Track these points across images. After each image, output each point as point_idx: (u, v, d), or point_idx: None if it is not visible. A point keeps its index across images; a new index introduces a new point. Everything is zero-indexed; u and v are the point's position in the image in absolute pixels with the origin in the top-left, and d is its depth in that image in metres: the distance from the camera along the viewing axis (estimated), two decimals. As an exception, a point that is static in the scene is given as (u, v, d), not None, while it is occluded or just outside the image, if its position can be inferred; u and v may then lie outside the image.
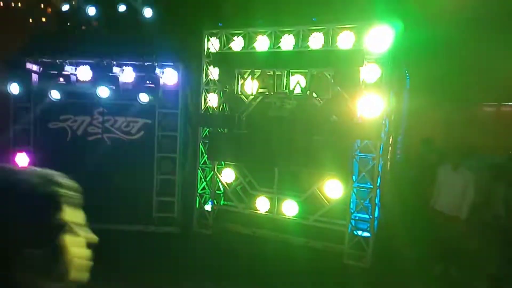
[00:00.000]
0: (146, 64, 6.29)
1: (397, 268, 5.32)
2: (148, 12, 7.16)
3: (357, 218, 5.75)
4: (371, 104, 5.39)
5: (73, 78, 6.57)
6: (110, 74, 6.33)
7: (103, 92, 6.31)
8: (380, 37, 5.28)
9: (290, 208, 6.04)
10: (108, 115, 7.02)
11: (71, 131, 7.12)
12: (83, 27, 7.48)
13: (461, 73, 4.94)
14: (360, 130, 5.49)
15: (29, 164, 6.93)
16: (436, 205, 5.67)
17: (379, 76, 5.34)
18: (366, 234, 5.65)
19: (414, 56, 5.14)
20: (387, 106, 5.34)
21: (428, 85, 5.16)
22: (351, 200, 5.71)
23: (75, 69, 6.57)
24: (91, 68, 6.55)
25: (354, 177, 5.71)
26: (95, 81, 6.50)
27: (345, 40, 5.53)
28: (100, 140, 7.06)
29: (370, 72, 5.39)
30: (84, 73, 6.61)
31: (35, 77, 6.56)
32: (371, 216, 5.59)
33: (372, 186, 5.54)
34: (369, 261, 5.53)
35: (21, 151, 7.01)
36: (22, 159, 7.01)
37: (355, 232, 5.69)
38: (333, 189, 5.74)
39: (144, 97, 6.28)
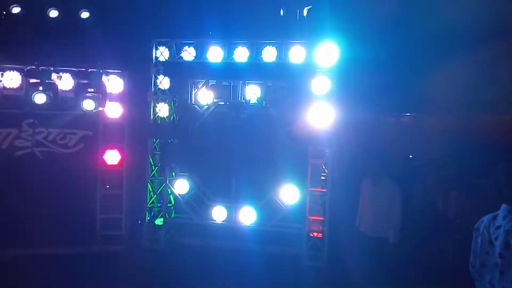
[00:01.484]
0: (89, 70, 5.85)
1: (351, 267, 5.75)
2: (85, 15, 6.65)
3: (311, 221, 6.09)
4: (321, 114, 5.83)
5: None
6: (47, 81, 5.73)
7: (40, 98, 5.67)
8: (328, 52, 5.77)
9: (248, 216, 6.13)
10: (40, 127, 6.32)
11: (-7, 146, 6.22)
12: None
13: (390, 85, 5.66)
14: (312, 138, 5.89)
15: None
16: (361, 226, 5.00)
17: (329, 88, 5.81)
18: (320, 235, 6.02)
19: (356, 70, 5.73)
20: (336, 116, 5.81)
21: (364, 96, 5.78)
22: (306, 204, 6.04)
23: (1, 75, 5.81)
24: (23, 75, 5.87)
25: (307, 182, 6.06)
26: (29, 88, 5.83)
27: (296, 54, 5.90)
28: (30, 154, 6.31)
29: (320, 84, 5.83)
30: (13, 79, 5.89)
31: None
32: (324, 218, 5.98)
33: (325, 190, 5.95)
34: (325, 261, 5.89)
35: None
36: None
37: (309, 233, 6.03)
38: (289, 194, 6.00)
39: (88, 104, 5.81)
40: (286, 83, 6.04)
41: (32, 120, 6.27)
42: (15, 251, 5.88)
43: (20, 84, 5.97)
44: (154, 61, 6.33)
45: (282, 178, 6.01)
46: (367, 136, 5.68)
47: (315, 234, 6.02)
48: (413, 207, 5.92)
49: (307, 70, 5.86)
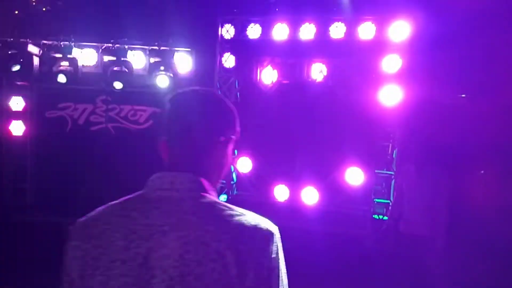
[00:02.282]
0: (161, 49, 6.03)
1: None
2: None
3: (375, 202, 5.97)
4: (391, 94, 5.61)
5: (78, 62, 6.14)
6: (123, 59, 5.99)
7: (163, 81, 5.93)
8: (400, 28, 5.49)
9: (310, 196, 6.12)
10: (112, 103, 6.67)
11: (71, 120, 6.67)
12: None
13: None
14: (380, 118, 5.70)
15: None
16: (400, 224, 4.37)
17: (400, 67, 5.55)
18: (383, 217, 5.89)
19: (429, 46, 5.40)
20: (408, 96, 5.56)
21: (438, 75, 5.45)
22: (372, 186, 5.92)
23: (81, 52, 6.16)
24: (100, 53, 6.19)
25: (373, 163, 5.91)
26: (105, 66, 6.13)
27: (366, 30, 5.68)
28: (104, 130, 6.70)
29: (391, 62, 5.59)
30: (90, 57, 6.23)
31: (36, 60, 6.05)
32: (390, 201, 5.83)
33: (391, 173, 5.78)
34: (389, 244, 5.76)
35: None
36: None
37: (374, 216, 5.92)
38: (354, 176, 5.90)
39: (162, 81, 5.99)
40: (354, 61, 5.84)
41: (105, 97, 6.64)
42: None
43: (96, 62, 6.33)
44: (219, 39, 6.40)
45: (347, 159, 5.91)
46: (438, 119, 5.38)
47: (380, 216, 5.91)
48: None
49: (377, 47, 5.63)
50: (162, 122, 1.19)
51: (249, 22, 6.23)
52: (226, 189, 6.67)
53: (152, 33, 6.16)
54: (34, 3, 6.45)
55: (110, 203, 1.12)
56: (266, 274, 1.00)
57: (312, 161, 6.14)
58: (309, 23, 5.89)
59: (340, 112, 5.94)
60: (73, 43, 6.00)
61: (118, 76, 5.95)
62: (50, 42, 6.05)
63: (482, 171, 6.11)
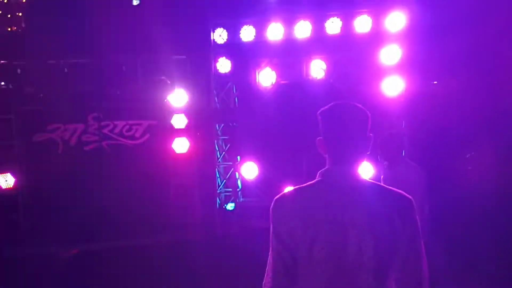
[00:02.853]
0: (155, 57, 5.79)
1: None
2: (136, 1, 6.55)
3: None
4: (393, 85, 5.60)
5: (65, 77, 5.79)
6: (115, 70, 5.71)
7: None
8: (396, 18, 5.49)
9: (321, 195, 6.02)
10: (105, 120, 6.35)
11: (62, 142, 6.29)
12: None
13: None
14: (385, 110, 5.68)
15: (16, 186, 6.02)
16: None
17: (400, 57, 5.55)
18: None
19: (427, 35, 5.43)
20: (410, 86, 5.57)
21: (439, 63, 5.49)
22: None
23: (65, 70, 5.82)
24: (88, 68, 5.87)
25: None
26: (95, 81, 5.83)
27: (362, 23, 5.65)
28: (99, 148, 6.36)
29: (390, 54, 5.58)
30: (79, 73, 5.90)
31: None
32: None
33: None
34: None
35: (4, 171, 6.02)
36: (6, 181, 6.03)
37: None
38: (364, 170, 5.85)
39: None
40: (353, 55, 5.80)
41: (97, 114, 6.31)
42: (90, 245, 5.98)
43: (86, 78, 6.00)
44: (212, 44, 6.21)
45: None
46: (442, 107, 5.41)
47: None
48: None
49: (375, 39, 5.61)
50: (320, 126, 1.63)
51: (242, 25, 6.09)
52: (232, 197, 6.48)
53: (144, 43, 5.89)
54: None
55: (295, 188, 1.64)
56: (415, 225, 1.48)
57: (319, 161, 6.02)
58: (304, 21, 5.81)
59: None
60: (62, 61, 5.66)
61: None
62: (35, 61, 5.68)
63: (468, 155, 6.22)
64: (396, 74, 5.57)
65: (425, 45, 5.50)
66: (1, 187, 6.03)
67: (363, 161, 1.61)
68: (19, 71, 5.86)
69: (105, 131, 6.34)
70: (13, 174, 6.09)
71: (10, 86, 6.23)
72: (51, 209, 6.11)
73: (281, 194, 1.64)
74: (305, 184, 1.62)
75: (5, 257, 5.81)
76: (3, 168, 6.09)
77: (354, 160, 1.57)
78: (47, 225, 6.05)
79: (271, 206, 1.61)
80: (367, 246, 1.42)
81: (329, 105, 1.63)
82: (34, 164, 6.19)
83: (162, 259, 5.68)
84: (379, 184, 1.57)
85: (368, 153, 1.60)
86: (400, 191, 1.52)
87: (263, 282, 1.56)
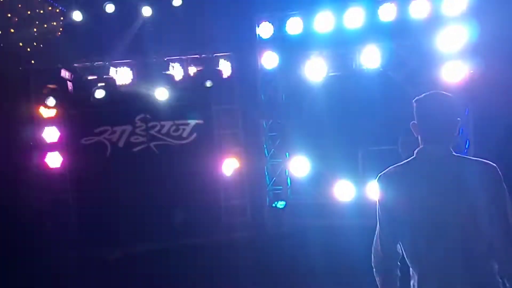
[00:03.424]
0: (202, 56, 5.67)
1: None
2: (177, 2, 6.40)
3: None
4: (455, 71, 5.26)
5: (114, 81, 5.76)
6: (164, 72, 5.62)
7: (162, 94, 5.59)
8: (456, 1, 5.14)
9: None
10: (152, 121, 6.29)
11: (110, 144, 6.28)
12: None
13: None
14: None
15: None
16: None
17: (462, 41, 5.20)
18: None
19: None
20: (474, 72, 5.21)
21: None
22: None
23: (116, 72, 5.79)
24: (134, 70, 5.82)
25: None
26: (141, 83, 5.77)
27: (419, 8, 5.32)
28: (147, 149, 6.31)
29: (451, 38, 5.23)
30: (125, 76, 5.85)
31: (69, 85, 5.67)
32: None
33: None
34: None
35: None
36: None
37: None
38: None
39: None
40: (410, 43, 5.48)
41: (144, 115, 6.27)
42: (141, 246, 5.94)
43: (132, 80, 5.95)
44: (258, 38, 6.02)
45: (414, 147, 5.55)
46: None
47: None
48: None
49: (433, 24, 5.28)
50: (415, 112, 1.86)
51: (288, 17, 5.87)
52: (283, 195, 6.30)
53: (188, 43, 5.78)
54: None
55: (394, 166, 1.87)
56: (500, 188, 1.70)
57: (375, 155, 5.77)
58: (356, 8, 5.53)
59: (399, 98, 5.57)
60: (107, 63, 5.63)
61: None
62: (82, 65, 5.67)
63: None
64: (458, 59, 5.23)
65: (488, 28, 5.11)
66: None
67: (453, 141, 1.83)
68: (68, 75, 5.85)
69: (153, 132, 6.29)
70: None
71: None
72: (103, 211, 6.12)
73: (383, 171, 1.90)
74: (402, 162, 1.89)
75: (55, 257, 5.85)
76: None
77: (445, 139, 1.78)
78: (98, 227, 6.06)
79: (377, 182, 1.88)
80: (462, 209, 1.69)
81: (423, 94, 1.86)
82: (83, 168, 6.21)
83: (214, 259, 5.58)
84: (467, 157, 1.89)
85: (456, 134, 1.83)
86: (485, 161, 1.77)
87: (373, 246, 1.91)
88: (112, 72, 5.78)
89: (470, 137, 5.40)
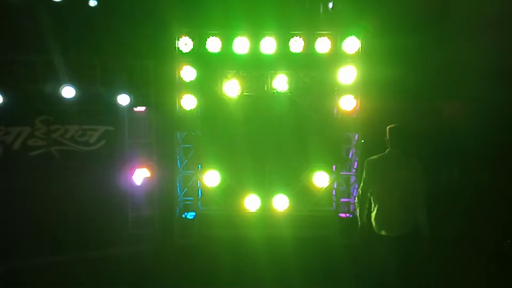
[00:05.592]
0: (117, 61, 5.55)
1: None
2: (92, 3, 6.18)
3: (340, 202, 6.46)
4: (348, 102, 6.18)
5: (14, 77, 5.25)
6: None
7: (68, 92, 5.27)
8: (353, 42, 6.10)
9: (281, 203, 6.31)
10: (55, 124, 5.86)
11: (3, 146, 5.64)
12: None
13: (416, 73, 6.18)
14: (341, 124, 6.23)
15: None
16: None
17: (355, 77, 6.15)
18: (349, 215, 6.43)
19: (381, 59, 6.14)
20: (363, 103, 6.19)
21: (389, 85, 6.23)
22: (335, 187, 6.41)
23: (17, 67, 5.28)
24: (37, 66, 5.39)
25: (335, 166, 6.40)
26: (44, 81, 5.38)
27: (323, 45, 6.14)
28: (47, 154, 5.84)
29: (346, 73, 6.15)
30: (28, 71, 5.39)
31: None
32: (353, 200, 6.38)
33: (354, 173, 6.35)
34: (356, 239, 6.29)
35: None
36: None
37: (340, 215, 6.40)
38: (320, 179, 6.29)
39: (124, 99, 5.53)
40: (314, 73, 6.25)
41: (46, 117, 5.80)
42: (42, 258, 5.46)
43: (35, 77, 5.49)
44: (177, 51, 6.16)
45: (312, 163, 6.28)
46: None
47: (345, 215, 6.42)
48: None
49: (334, 59, 6.14)
50: (387, 131, 4.08)
51: (208, 35, 6.16)
52: (193, 207, 6.43)
53: (105, 44, 5.63)
54: None
55: (378, 155, 4.12)
56: (422, 173, 4.01)
57: (280, 169, 6.34)
58: (269, 37, 6.11)
59: (303, 120, 6.28)
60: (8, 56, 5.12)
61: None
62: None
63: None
64: (351, 92, 6.16)
65: (378, 68, 6.17)
66: None
67: (404, 147, 3.96)
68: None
69: (55, 135, 5.85)
70: None
71: None
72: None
73: (370, 158, 4.12)
74: (380, 154, 4.08)
75: None
76: None
77: (400, 147, 3.94)
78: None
79: (366, 162, 4.13)
80: (403, 182, 3.88)
81: (393, 125, 4.03)
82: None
83: (119, 271, 5.41)
84: (410, 156, 3.94)
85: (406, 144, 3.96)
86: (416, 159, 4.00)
87: (357, 193, 4.24)
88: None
89: (358, 156, 6.35)
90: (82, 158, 5.97)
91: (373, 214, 4.04)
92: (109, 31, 5.54)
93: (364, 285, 5.12)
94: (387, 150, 4.02)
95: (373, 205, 4.06)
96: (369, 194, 4.07)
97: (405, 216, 3.89)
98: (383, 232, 3.95)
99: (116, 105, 5.83)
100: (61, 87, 5.29)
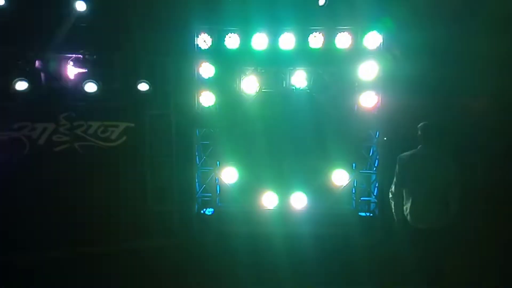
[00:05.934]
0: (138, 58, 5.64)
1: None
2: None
3: (360, 201, 6.34)
4: (369, 99, 6.04)
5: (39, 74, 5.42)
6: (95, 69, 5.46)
7: (91, 87, 5.41)
8: (374, 37, 5.95)
9: (299, 200, 6.25)
10: (78, 120, 6.02)
11: (29, 141, 5.85)
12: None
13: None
14: (361, 122, 6.10)
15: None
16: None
17: (376, 73, 6.00)
18: (369, 214, 6.31)
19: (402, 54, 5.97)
20: (384, 100, 6.04)
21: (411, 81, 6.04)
22: (355, 185, 6.29)
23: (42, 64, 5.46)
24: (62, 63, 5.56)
25: (355, 164, 6.28)
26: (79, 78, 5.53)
27: (343, 40, 6.02)
28: (70, 149, 6.01)
29: (367, 69, 6.01)
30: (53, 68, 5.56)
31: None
32: (374, 198, 6.26)
33: (374, 172, 6.22)
34: (376, 238, 6.17)
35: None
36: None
37: (360, 213, 6.29)
38: (339, 177, 6.19)
39: (143, 86, 5.60)
40: (334, 69, 6.15)
41: (69, 113, 5.97)
42: (64, 251, 5.62)
43: (61, 74, 5.66)
44: (196, 48, 6.19)
45: (332, 161, 6.19)
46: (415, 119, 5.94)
47: (364, 213, 6.31)
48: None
49: (354, 55, 6.02)
50: (420, 130, 4.18)
51: (227, 32, 6.16)
52: (211, 203, 6.47)
53: (125, 41, 5.72)
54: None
55: (410, 152, 4.21)
56: (457, 171, 4.08)
57: (299, 166, 6.28)
58: (288, 33, 6.04)
59: (322, 117, 6.19)
60: (34, 54, 5.29)
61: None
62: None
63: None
64: (372, 88, 6.01)
65: (398, 63, 6.00)
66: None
67: (436, 145, 4.10)
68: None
69: (78, 131, 6.01)
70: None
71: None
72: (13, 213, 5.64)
73: (403, 154, 4.20)
74: (413, 150, 4.14)
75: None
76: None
77: (432, 145, 4.07)
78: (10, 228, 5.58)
79: (398, 159, 4.21)
80: (437, 180, 3.98)
81: (423, 123, 4.15)
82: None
83: (140, 265, 5.52)
84: (441, 154, 4.05)
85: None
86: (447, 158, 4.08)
87: (390, 190, 4.30)
88: (38, 64, 5.43)
89: (379, 154, 6.21)
90: (104, 154, 6.09)
91: (407, 208, 4.14)
92: (129, 29, 5.59)
93: (383, 285, 5.02)
94: (419, 146, 4.15)
95: (405, 199, 4.17)
96: (402, 189, 4.17)
97: (439, 210, 4.03)
98: (420, 225, 4.06)
99: (136, 102, 5.91)
100: (84, 83, 5.38)
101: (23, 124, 5.77)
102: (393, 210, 4.24)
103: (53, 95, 5.74)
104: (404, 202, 4.17)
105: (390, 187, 4.35)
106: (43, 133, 5.86)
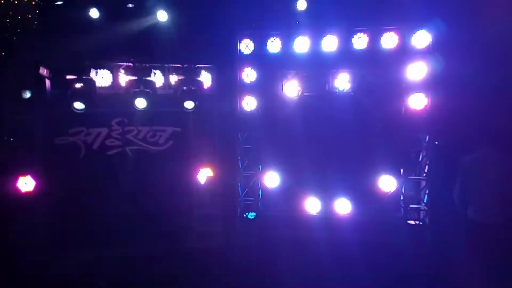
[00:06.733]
0: (184, 66, 5.84)
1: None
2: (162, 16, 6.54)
3: (408, 208, 6.03)
4: (418, 101, 5.74)
5: (93, 83, 5.80)
6: (145, 78, 5.73)
7: (140, 103, 5.71)
8: (423, 36, 5.67)
9: (343, 207, 6.08)
10: (129, 125, 6.34)
11: (84, 146, 6.26)
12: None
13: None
14: (409, 125, 5.81)
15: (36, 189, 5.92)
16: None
17: (425, 73, 5.70)
18: (419, 222, 5.97)
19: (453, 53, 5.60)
20: (434, 102, 5.72)
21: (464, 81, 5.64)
22: (402, 192, 5.99)
23: (96, 74, 5.83)
24: (114, 72, 5.89)
25: (403, 170, 5.99)
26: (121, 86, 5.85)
27: (389, 40, 5.81)
28: (121, 153, 6.33)
29: (416, 70, 5.73)
30: (104, 78, 5.92)
31: (47, 83, 5.65)
32: (424, 206, 5.92)
33: (425, 178, 5.89)
34: (426, 248, 5.82)
35: (24, 174, 5.92)
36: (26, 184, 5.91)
37: (408, 222, 5.97)
38: (386, 183, 5.94)
39: (189, 104, 5.82)
40: (379, 71, 5.94)
41: (120, 119, 6.30)
42: (108, 252, 5.90)
43: (112, 83, 6.02)
44: (239, 53, 6.29)
45: (378, 167, 5.95)
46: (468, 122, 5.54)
47: (412, 221, 5.98)
48: None
49: (401, 55, 5.77)
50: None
51: (269, 37, 6.20)
52: (254, 207, 6.49)
53: (171, 52, 5.95)
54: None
55: (473, 154, 4.53)
56: None
57: (342, 172, 6.11)
58: (331, 35, 5.95)
59: (367, 121, 5.99)
60: (88, 64, 5.67)
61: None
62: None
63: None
64: (421, 89, 5.72)
65: (450, 63, 5.65)
66: (21, 191, 5.93)
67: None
68: (46, 72, 5.81)
69: (129, 136, 6.33)
70: (34, 177, 6.00)
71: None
72: (70, 214, 6.05)
73: (466, 156, 4.40)
74: (475, 152, 4.36)
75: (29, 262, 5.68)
76: (24, 170, 6.01)
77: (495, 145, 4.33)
78: (66, 228, 5.99)
79: (461, 162, 4.50)
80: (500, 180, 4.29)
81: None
82: (55, 168, 6.13)
83: (186, 267, 5.67)
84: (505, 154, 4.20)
85: None
86: None
87: (455, 191, 4.59)
88: (92, 73, 5.81)
89: (429, 159, 5.87)
90: (153, 157, 6.36)
91: (472, 208, 4.42)
92: (174, 38, 5.81)
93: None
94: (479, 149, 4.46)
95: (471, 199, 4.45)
96: (467, 190, 4.47)
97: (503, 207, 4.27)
98: (488, 221, 4.32)
99: (182, 107, 6.10)
100: (134, 97, 5.68)
101: (79, 130, 6.18)
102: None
103: (106, 101, 6.09)
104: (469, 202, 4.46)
105: (441, 194, 4.61)
106: (97, 138, 6.24)
